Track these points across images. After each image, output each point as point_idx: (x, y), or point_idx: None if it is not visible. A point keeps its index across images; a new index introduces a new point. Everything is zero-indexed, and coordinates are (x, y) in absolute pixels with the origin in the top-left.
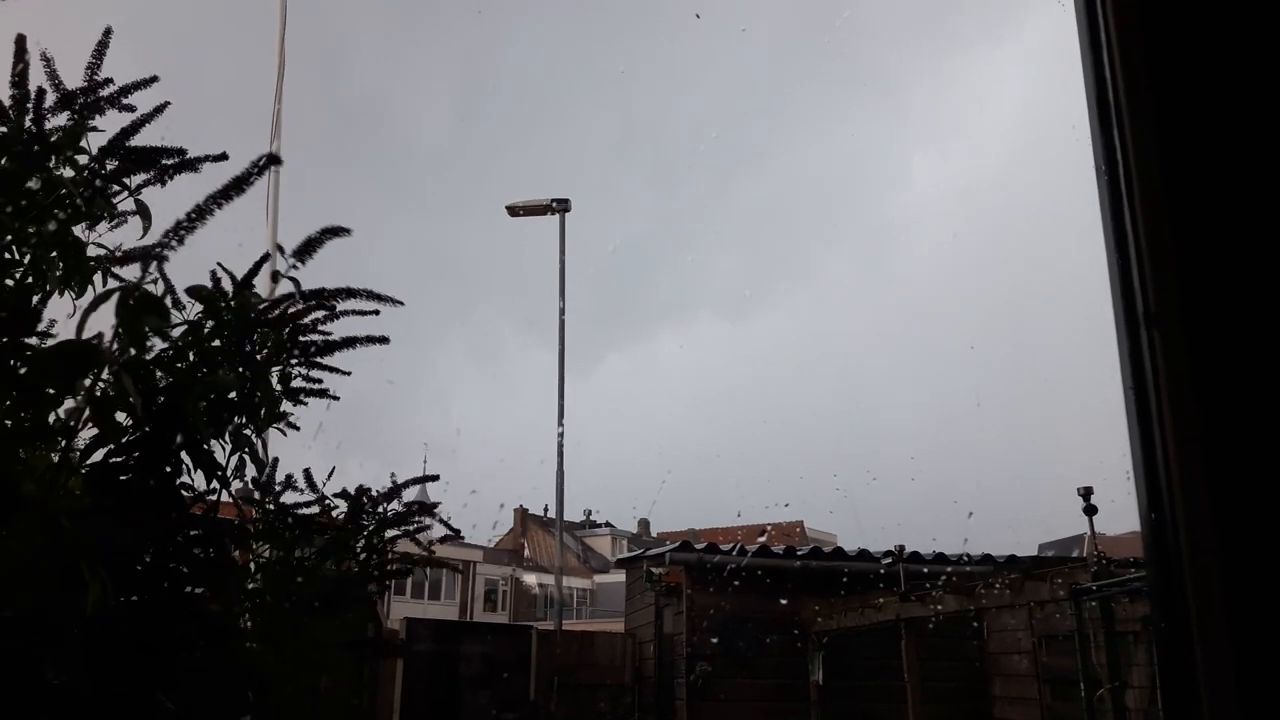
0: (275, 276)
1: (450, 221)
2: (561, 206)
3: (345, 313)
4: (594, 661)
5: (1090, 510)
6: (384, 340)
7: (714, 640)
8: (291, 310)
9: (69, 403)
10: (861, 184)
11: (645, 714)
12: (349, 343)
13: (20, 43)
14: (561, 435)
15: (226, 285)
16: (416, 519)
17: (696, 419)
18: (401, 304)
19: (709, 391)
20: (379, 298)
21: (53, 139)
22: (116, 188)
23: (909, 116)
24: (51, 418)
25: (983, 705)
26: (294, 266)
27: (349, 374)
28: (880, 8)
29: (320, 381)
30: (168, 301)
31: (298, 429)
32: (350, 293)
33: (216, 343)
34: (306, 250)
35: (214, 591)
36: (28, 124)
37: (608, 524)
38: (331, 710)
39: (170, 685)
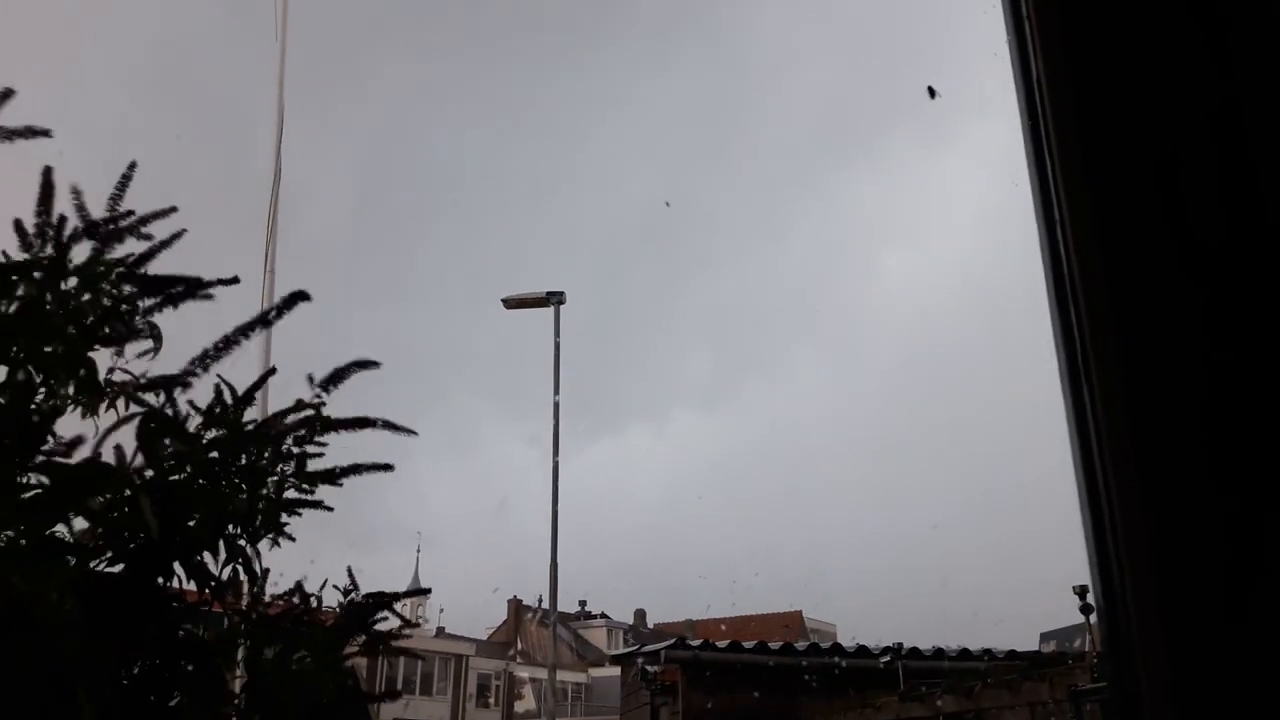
0: (263, 380)
1: (412, 310)
2: (556, 299)
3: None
4: None
5: (1086, 609)
6: (389, 468)
7: None
8: (296, 432)
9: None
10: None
11: None
12: (354, 470)
13: (47, 174)
14: (555, 521)
15: (227, 397)
16: (403, 632)
17: (683, 511)
18: (415, 434)
19: (692, 483)
20: (395, 428)
21: (71, 265)
22: (128, 308)
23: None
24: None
25: None
26: (317, 396)
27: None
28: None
29: (313, 492)
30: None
31: (293, 540)
32: (366, 422)
33: (214, 454)
34: (333, 381)
35: (202, 705)
36: (49, 250)
37: (603, 615)
38: None
39: None
